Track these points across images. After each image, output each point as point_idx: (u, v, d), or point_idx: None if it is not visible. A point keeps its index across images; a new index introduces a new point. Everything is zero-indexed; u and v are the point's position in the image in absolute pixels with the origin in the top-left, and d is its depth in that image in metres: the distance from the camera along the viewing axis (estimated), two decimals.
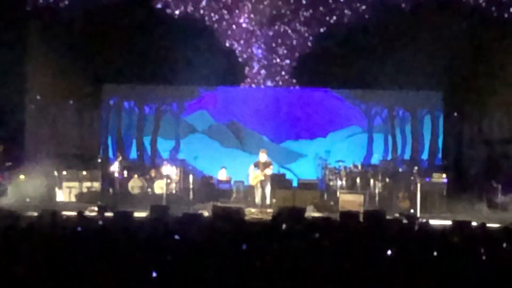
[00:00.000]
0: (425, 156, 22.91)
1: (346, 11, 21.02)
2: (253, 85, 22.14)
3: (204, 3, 21.23)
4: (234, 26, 21.54)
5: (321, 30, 21.29)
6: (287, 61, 21.81)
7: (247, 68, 21.97)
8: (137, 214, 12.68)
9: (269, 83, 22.10)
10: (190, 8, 21.11)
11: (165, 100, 23.25)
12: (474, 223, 11.82)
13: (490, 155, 20.32)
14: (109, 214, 13.11)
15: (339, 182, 18.90)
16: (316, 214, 16.05)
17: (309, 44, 21.52)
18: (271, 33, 21.66)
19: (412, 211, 16.51)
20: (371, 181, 18.45)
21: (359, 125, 23.07)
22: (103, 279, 6.30)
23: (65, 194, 18.52)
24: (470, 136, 21.53)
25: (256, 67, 21.94)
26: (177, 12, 21.03)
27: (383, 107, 23.26)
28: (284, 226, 10.32)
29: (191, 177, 19.17)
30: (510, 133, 20.12)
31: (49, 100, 20.88)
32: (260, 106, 22.59)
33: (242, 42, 21.69)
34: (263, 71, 21.98)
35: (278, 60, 21.87)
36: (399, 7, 20.32)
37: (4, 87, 18.73)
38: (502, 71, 19.64)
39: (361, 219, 13.06)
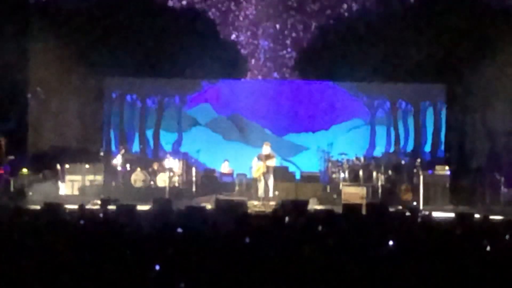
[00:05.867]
0: (427, 148, 22.88)
1: (349, 4, 20.97)
2: (260, 77, 22.09)
3: None
4: (241, 18, 21.48)
5: (324, 23, 21.26)
6: (292, 54, 21.78)
7: (253, 60, 21.93)
8: (140, 207, 12.67)
9: (273, 76, 22.06)
10: (196, 0, 21.06)
11: (168, 93, 23.23)
12: (476, 215, 11.82)
13: (493, 147, 20.30)
14: (112, 207, 13.10)
15: (341, 175, 18.91)
16: (319, 207, 16.07)
17: (312, 37, 21.48)
18: (277, 26, 21.60)
19: (414, 203, 16.53)
20: (374, 173, 18.45)
21: (361, 118, 23.05)
22: (106, 272, 6.31)
23: (68, 187, 18.56)
24: (472, 128, 21.50)
25: (261, 59, 21.90)
26: (179, 4, 21.00)
27: (386, 99, 23.22)
28: (287, 218, 10.33)
29: (193, 170, 19.20)
30: None
31: (51, 93, 20.90)
32: (262, 99, 22.56)
33: (248, 34, 21.64)
34: (268, 64, 21.94)
35: (283, 52, 21.82)
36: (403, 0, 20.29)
37: (6, 81, 18.74)
38: (505, 63, 19.60)
39: (363, 211, 13.06)
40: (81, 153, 20.15)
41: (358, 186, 17.51)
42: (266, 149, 17.77)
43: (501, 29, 19.44)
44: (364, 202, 15.70)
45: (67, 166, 18.67)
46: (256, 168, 17.73)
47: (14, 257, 6.64)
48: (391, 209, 13.69)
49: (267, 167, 17.57)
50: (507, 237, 8.55)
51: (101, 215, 11.26)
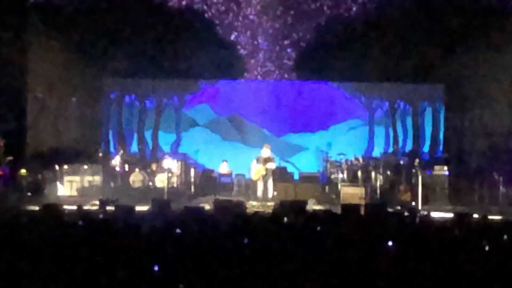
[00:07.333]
0: (426, 148, 22.92)
1: (348, 4, 20.98)
2: (259, 77, 22.10)
3: None
4: (240, 18, 21.48)
5: (323, 23, 21.27)
6: (291, 54, 21.79)
7: (252, 61, 21.93)
8: (138, 208, 12.66)
9: (272, 76, 22.07)
10: (195, 1, 21.06)
11: (166, 94, 23.25)
12: (475, 216, 11.82)
13: (492, 147, 20.30)
14: (110, 208, 13.09)
15: (340, 175, 18.89)
16: (318, 207, 16.05)
17: (311, 37, 21.49)
18: (276, 26, 21.59)
19: (413, 203, 16.50)
20: (372, 174, 18.44)
21: (360, 118, 23.08)
22: (104, 273, 6.31)
23: (66, 188, 18.54)
24: (471, 128, 21.51)
25: (260, 59, 21.91)
26: (178, 4, 20.99)
27: (384, 100, 23.26)
28: (285, 219, 10.32)
29: (192, 171, 19.20)
30: (511, 125, 20.10)
31: (50, 94, 20.88)
32: (261, 100, 22.58)
33: (247, 34, 21.64)
34: (267, 64, 21.94)
35: (282, 52, 21.83)
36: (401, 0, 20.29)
37: (5, 82, 18.71)
38: (503, 64, 19.61)
39: (362, 212, 13.05)
40: (80, 154, 20.14)
41: (356, 187, 17.50)
42: (266, 152, 17.75)
43: (499, 30, 19.44)
44: (362, 202, 15.68)
45: (65, 167, 18.65)
46: (256, 171, 17.73)
47: (13, 258, 6.63)
48: (390, 210, 13.70)
49: (266, 170, 17.55)
50: (505, 237, 8.54)
51: (100, 216, 11.24)
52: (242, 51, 21.83)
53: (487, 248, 7.67)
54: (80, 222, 9.50)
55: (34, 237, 7.80)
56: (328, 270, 6.49)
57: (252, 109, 22.60)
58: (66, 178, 18.62)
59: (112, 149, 22.52)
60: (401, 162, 19.56)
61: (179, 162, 19.49)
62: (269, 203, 16.71)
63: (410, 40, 20.40)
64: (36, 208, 13.05)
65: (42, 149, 20.04)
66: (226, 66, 21.50)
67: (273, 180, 17.80)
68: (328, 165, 20.05)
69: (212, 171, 20.54)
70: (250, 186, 18.61)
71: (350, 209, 12.96)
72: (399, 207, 15.21)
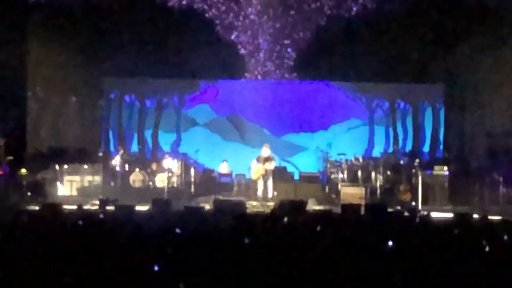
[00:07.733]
0: (426, 148, 22.92)
1: (348, 4, 20.98)
2: (259, 77, 22.10)
3: None
4: (240, 18, 21.48)
5: (323, 23, 21.27)
6: (291, 54, 21.79)
7: (252, 61, 21.93)
8: (138, 208, 12.69)
9: (272, 76, 22.06)
10: (195, 0, 21.06)
11: (166, 94, 23.25)
12: (475, 216, 11.82)
13: (492, 147, 20.29)
14: (110, 207, 13.11)
15: (340, 175, 18.90)
16: (318, 207, 16.07)
17: (311, 37, 21.49)
18: (276, 26, 21.59)
19: (413, 203, 16.51)
20: (373, 174, 18.45)
21: (360, 118, 23.07)
22: (104, 273, 6.31)
23: (66, 188, 18.55)
24: (471, 128, 21.51)
25: (260, 59, 21.91)
26: (179, 4, 20.98)
27: (384, 99, 23.26)
28: (285, 219, 10.32)
29: (192, 171, 19.21)
30: (511, 125, 20.09)
31: (50, 93, 20.91)
32: (261, 99, 22.57)
33: (247, 34, 21.63)
34: (267, 64, 21.94)
35: (282, 52, 21.83)
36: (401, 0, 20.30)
37: (5, 81, 18.72)
38: (503, 63, 19.61)
39: (362, 212, 13.06)
40: (80, 153, 20.15)
41: (357, 187, 17.51)
42: (265, 151, 17.74)
43: (498, 29, 19.44)
44: (363, 202, 15.68)
45: (65, 166, 18.66)
46: (255, 171, 17.72)
47: (13, 258, 6.63)
48: (390, 209, 13.70)
49: (266, 170, 17.54)
50: (505, 237, 8.54)
51: (100, 215, 11.24)
52: (242, 51, 21.83)
53: (487, 248, 7.67)
54: (80, 222, 9.49)
55: (34, 237, 7.80)
56: (328, 270, 6.48)
57: (253, 109, 22.60)
58: (66, 178, 18.64)
59: (112, 149, 22.52)
60: (401, 162, 19.56)
61: (179, 162, 19.49)
62: (269, 203, 16.71)
63: (410, 40, 20.39)
64: (36, 208, 13.06)
65: (42, 149, 20.06)
66: (226, 66, 21.50)
67: (273, 180, 17.80)
68: (328, 165, 20.06)
69: (212, 171, 20.55)
70: (250, 186, 18.60)
71: (350, 209, 12.98)
72: (399, 207, 15.21)
